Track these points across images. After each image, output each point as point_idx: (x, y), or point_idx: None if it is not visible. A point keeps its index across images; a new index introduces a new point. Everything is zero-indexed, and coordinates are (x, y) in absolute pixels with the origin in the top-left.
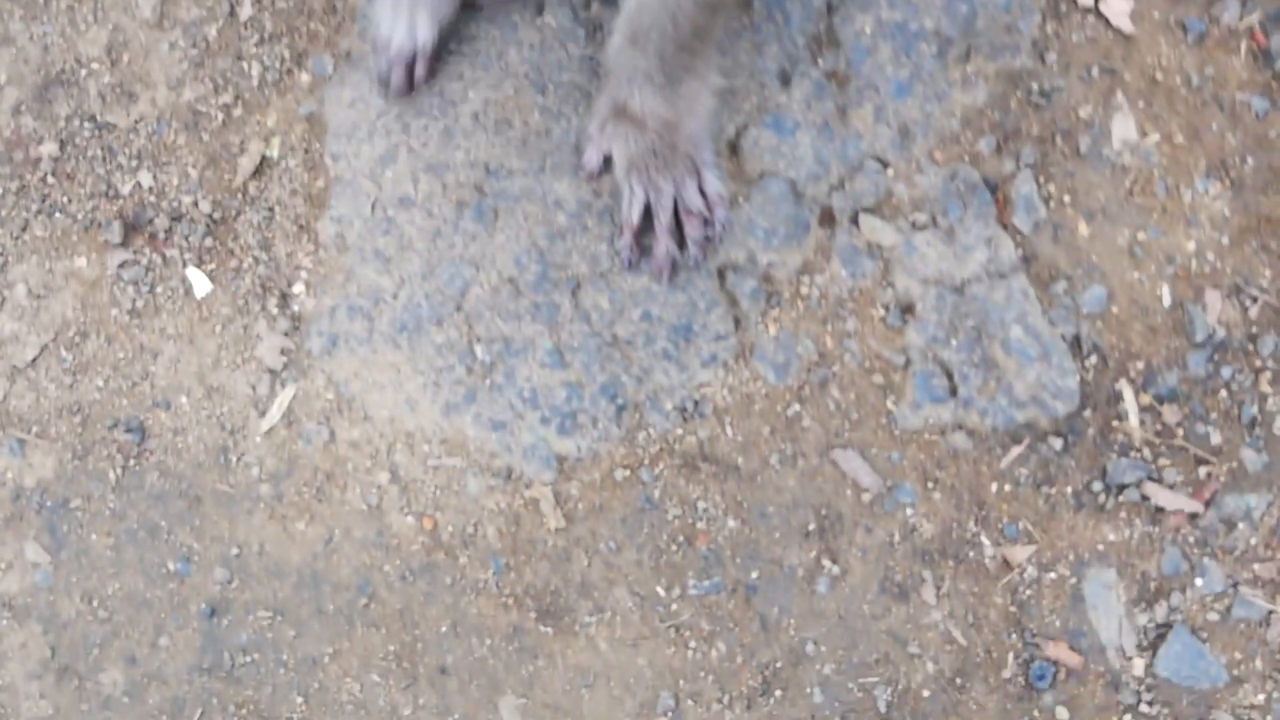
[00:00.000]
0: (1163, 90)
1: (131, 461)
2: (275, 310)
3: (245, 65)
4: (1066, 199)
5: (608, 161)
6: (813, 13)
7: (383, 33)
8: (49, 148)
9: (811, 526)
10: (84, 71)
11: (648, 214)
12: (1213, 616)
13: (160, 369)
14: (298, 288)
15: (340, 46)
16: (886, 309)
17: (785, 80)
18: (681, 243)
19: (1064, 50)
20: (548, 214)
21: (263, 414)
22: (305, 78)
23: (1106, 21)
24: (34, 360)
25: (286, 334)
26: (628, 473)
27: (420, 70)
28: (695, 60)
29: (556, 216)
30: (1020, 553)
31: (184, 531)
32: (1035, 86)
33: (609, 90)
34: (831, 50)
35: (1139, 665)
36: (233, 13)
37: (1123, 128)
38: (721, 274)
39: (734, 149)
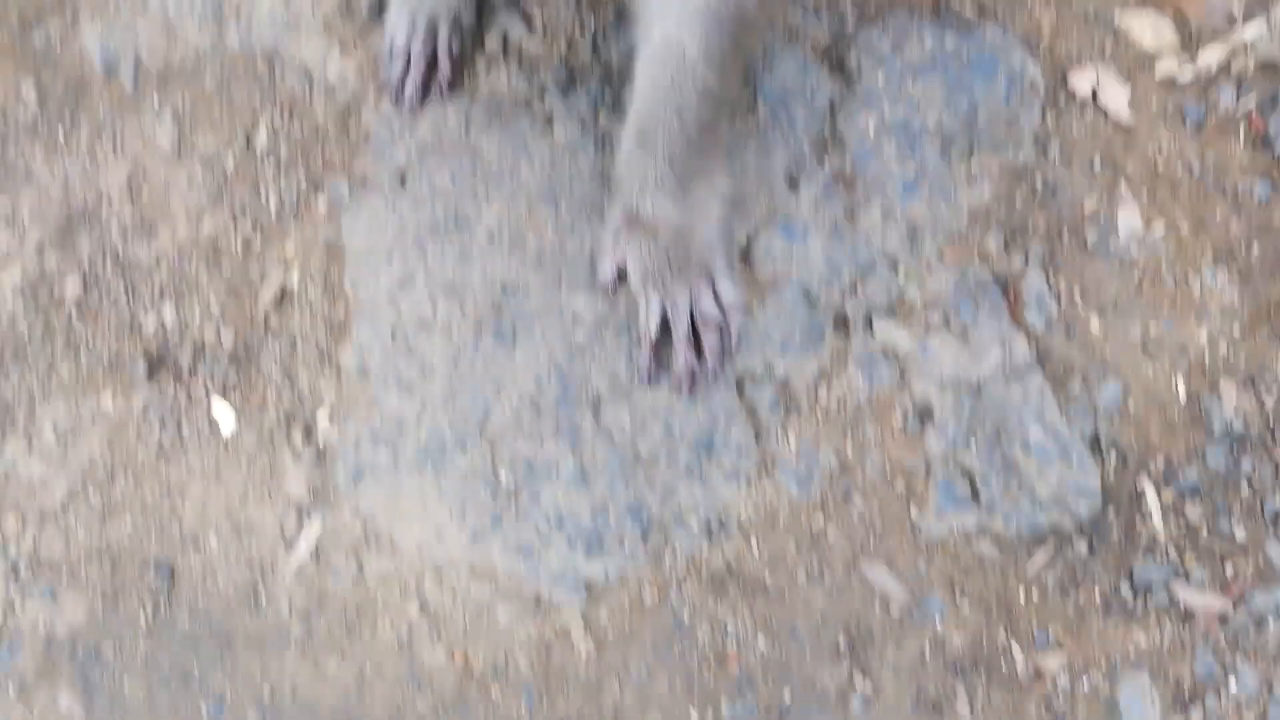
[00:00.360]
0: (1165, 180)
1: (162, 604)
2: (300, 442)
3: (263, 195)
4: (1077, 294)
5: (622, 274)
6: (817, 114)
7: (399, 40)
8: (73, 286)
9: (842, 643)
10: (105, 207)
11: (665, 325)
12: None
13: (188, 508)
14: (322, 418)
15: (356, 171)
16: (905, 415)
17: (793, 184)
18: (699, 353)
19: (1065, 143)
20: (566, 330)
21: (291, 550)
22: (322, 205)
23: (1105, 113)
24: (63, 504)
25: (312, 466)
26: (656, 595)
27: (444, 69)
28: (705, 161)
29: (575, 333)
30: (1052, 661)
31: (216, 674)
32: (1039, 180)
33: (620, 198)
34: (837, 151)
35: None
36: (249, 142)
37: (1128, 219)
38: (740, 384)
39: (745, 256)
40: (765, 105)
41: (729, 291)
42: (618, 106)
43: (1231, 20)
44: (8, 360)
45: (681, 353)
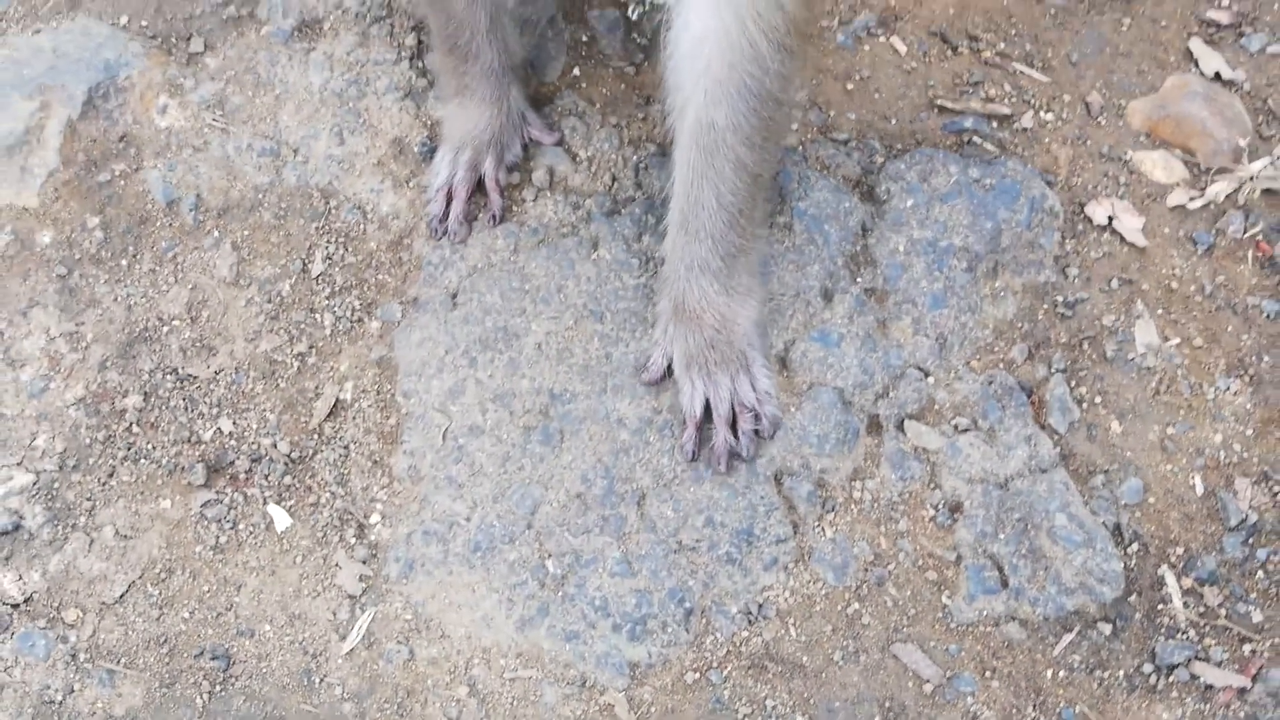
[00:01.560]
0: (1179, 298)
1: (218, 687)
2: (353, 540)
3: (318, 316)
4: (1098, 400)
5: (669, 369)
6: (850, 234)
7: (441, 178)
8: (134, 400)
9: (878, 719)
10: (165, 328)
11: (706, 409)
12: None
13: (244, 599)
14: (374, 518)
15: (408, 294)
16: (936, 509)
17: (828, 297)
18: (736, 434)
19: (1084, 264)
20: (611, 432)
21: (343, 637)
22: (375, 325)
23: (1121, 237)
24: (121, 596)
25: (364, 562)
26: (697, 675)
27: (495, 201)
28: (745, 242)
29: (619, 433)
30: None
31: None
32: (1060, 299)
33: (668, 290)
34: (869, 268)
35: None
36: (305, 269)
37: (1145, 333)
38: (778, 479)
39: (784, 362)
40: (801, 225)
41: (765, 381)
42: (660, 228)
43: (1238, 156)
44: (69, 466)
45: (722, 433)
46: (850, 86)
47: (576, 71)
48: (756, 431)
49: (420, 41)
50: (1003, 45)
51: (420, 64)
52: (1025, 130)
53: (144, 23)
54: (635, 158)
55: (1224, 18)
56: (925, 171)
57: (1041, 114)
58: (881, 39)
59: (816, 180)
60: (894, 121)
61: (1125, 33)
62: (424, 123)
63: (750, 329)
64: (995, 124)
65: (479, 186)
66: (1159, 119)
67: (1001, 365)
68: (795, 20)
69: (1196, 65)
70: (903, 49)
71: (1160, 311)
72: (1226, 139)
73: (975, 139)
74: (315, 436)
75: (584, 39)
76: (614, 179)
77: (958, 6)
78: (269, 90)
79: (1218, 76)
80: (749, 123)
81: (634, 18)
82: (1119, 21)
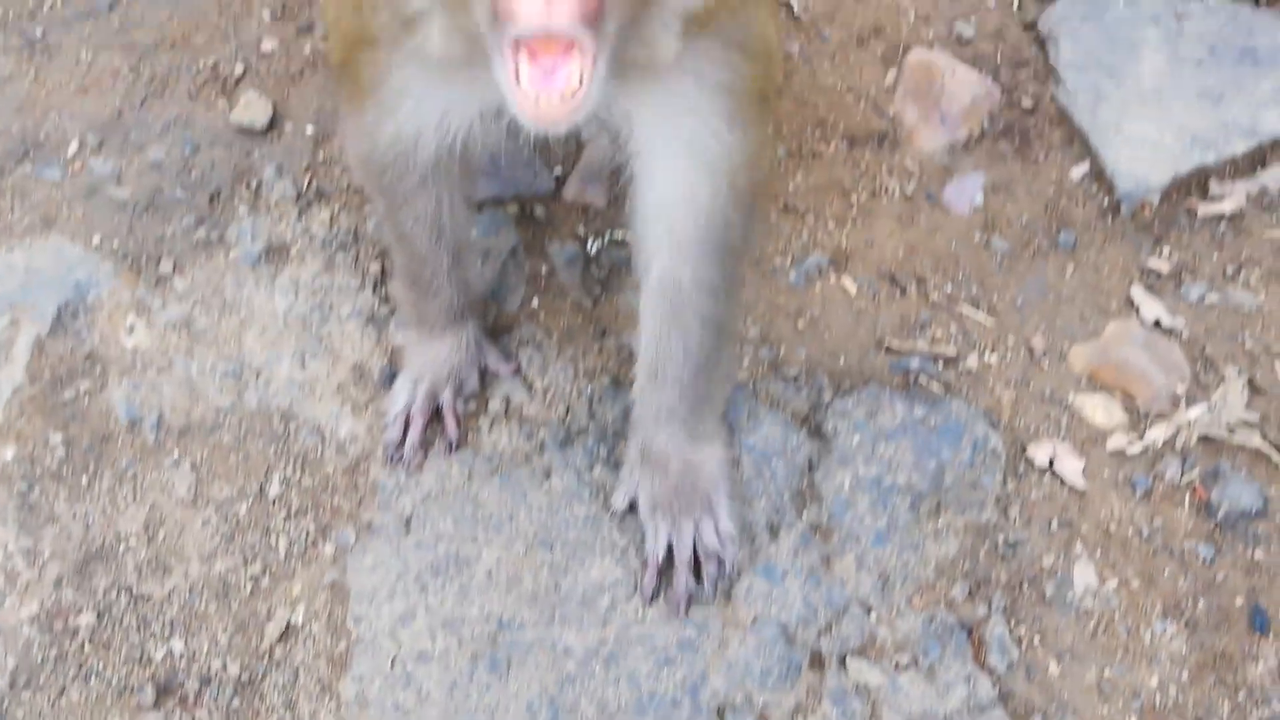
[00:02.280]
0: (1117, 540)
1: None
2: None
3: (273, 539)
4: (1036, 640)
5: (633, 505)
6: (796, 470)
7: (399, 405)
8: (87, 618)
9: None
10: (122, 547)
11: (669, 552)
12: None
13: None
14: None
15: (362, 519)
16: None
17: (774, 532)
18: (699, 578)
19: (1025, 505)
20: (558, 662)
21: None
22: (329, 549)
23: (1061, 480)
24: None
25: None
26: None
27: (451, 429)
28: (711, 389)
29: (565, 664)
30: None
31: None
32: (1001, 538)
33: (636, 435)
34: (815, 504)
35: None
36: (262, 491)
37: (1084, 575)
38: (721, 713)
39: (728, 595)
40: (749, 460)
41: (728, 526)
42: (612, 460)
43: (1176, 402)
44: (20, 684)
45: (683, 577)
46: (801, 324)
47: (535, 303)
48: (720, 576)
49: (384, 269)
50: (950, 288)
51: (383, 291)
52: (970, 372)
53: (116, 243)
54: (590, 389)
55: (1164, 267)
56: (872, 409)
57: (986, 356)
58: (832, 279)
59: (766, 415)
60: (843, 360)
61: (1069, 279)
62: (385, 349)
63: (716, 472)
64: (941, 365)
65: (436, 414)
66: (1100, 364)
67: (943, 603)
68: (756, 182)
69: (1137, 312)
70: (853, 289)
71: (1099, 554)
72: (1165, 385)
73: (921, 379)
74: (265, 659)
75: (543, 271)
76: (568, 409)
77: (907, 249)
78: (235, 313)
79: (1158, 324)
80: (713, 278)
81: (592, 253)
82: (1063, 268)
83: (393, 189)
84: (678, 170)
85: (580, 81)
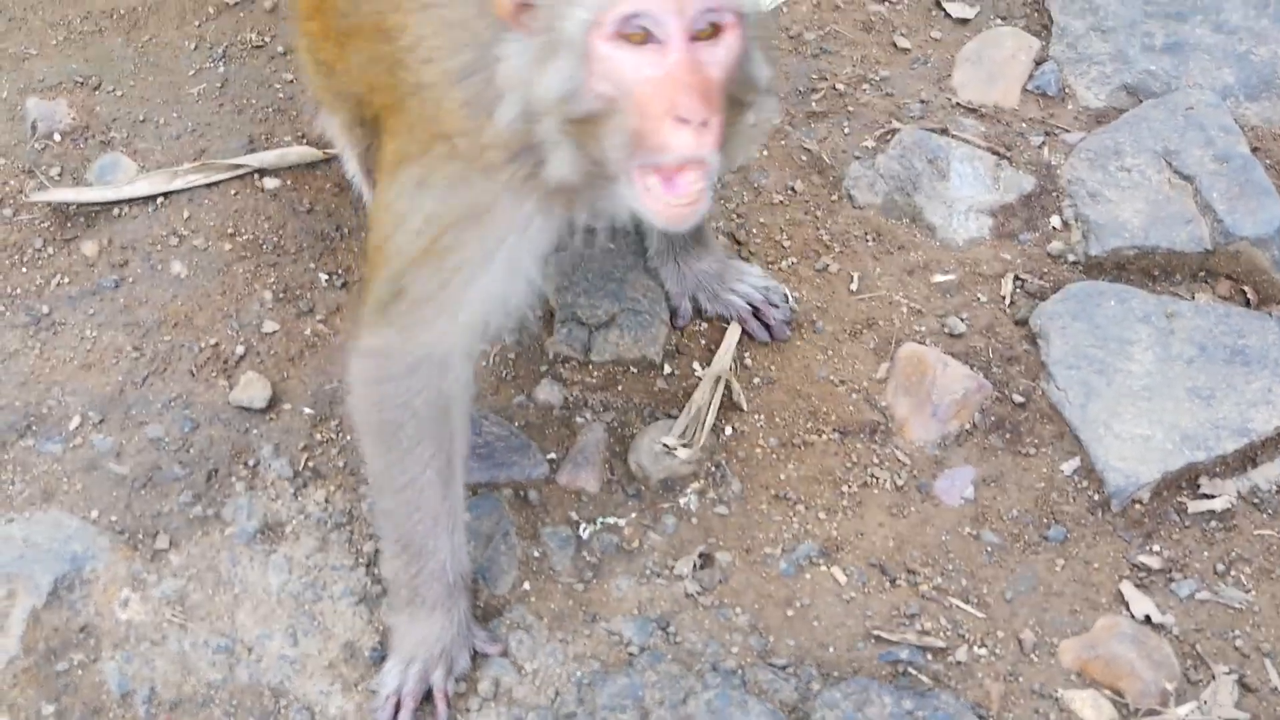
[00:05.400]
0: None
1: None
2: None
3: None
4: None
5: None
6: None
7: (390, 686)
8: None
9: None
10: None
11: None
12: None
13: None
14: None
15: None
16: None
17: None
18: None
19: None
20: None
21: None
22: None
23: None
24: None
25: None
26: None
27: (441, 710)
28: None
29: None
30: None
31: None
32: None
33: (666, 263)
34: None
35: None
36: None
37: None
38: None
39: None
40: None
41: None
42: None
43: (1165, 699)
44: None
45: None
46: (790, 613)
47: (527, 585)
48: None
49: (377, 550)
50: (940, 580)
51: (376, 571)
52: (959, 664)
53: (114, 517)
54: (579, 673)
55: (1155, 563)
56: (860, 702)
57: (975, 648)
58: (823, 568)
59: (754, 705)
60: (831, 649)
61: (1059, 572)
62: (376, 628)
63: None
64: (930, 656)
65: (427, 696)
66: (1089, 659)
67: None
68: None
69: (1127, 608)
70: (843, 579)
71: None
72: (1154, 681)
73: (910, 670)
74: None
75: (535, 554)
76: (557, 693)
77: (897, 540)
78: (229, 589)
79: (1148, 620)
80: None
81: (585, 537)
82: (1053, 562)
83: (407, 425)
84: None
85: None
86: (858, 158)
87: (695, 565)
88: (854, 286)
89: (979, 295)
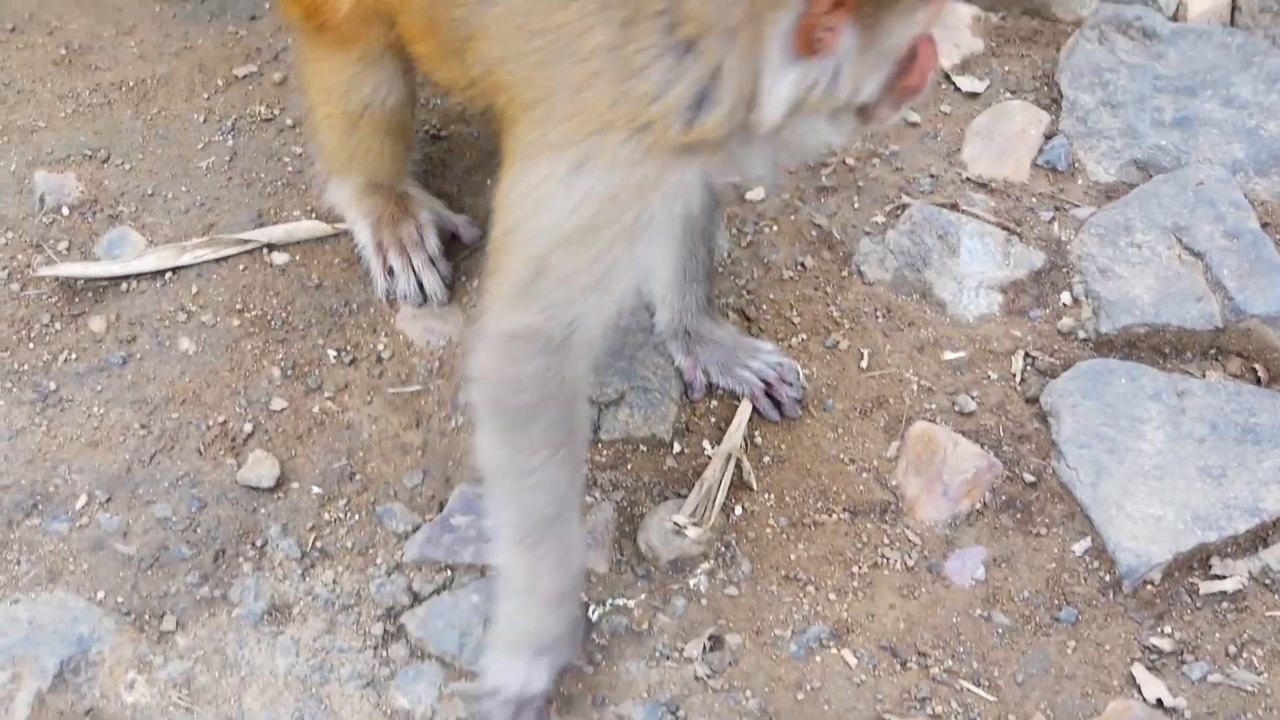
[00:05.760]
0: None
1: None
2: None
3: None
4: None
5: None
6: None
7: (490, 680)
8: None
9: None
10: None
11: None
12: None
13: None
14: None
15: None
16: None
17: None
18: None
19: None
20: None
21: None
22: None
23: None
24: None
25: None
26: None
27: None
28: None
29: None
30: None
31: None
32: None
33: (676, 336)
34: None
35: None
36: None
37: None
38: None
39: None
40: None
41: (779, 359)
42: None
43: None
44: None
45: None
46: (801, 696)
47: None
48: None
49: (385, 631)
50: (951, 662)
51: (384, 653)
52: None
53: (120, 599)
54: None
55: (1166, 644)
56: None
57: None
58: (833, 650)
59: None
60: None
61: (1070, 655)
62: (385, 712)
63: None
64: None
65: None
66: None
67: None
68: None
69: (1139, 691)
70: (853, 661)
71: None
72: None
73: None
74: None
75: None
76: None
77: (908, 622)
78: (235, 671)
79: (1160, 703)
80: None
81: (594, 619)
82: (1064, 644)
83: (541, 409)
84: None
85: None
86: (868, 233)
87: (705, 647)
88: (864, 364)
89: (989, 373)
